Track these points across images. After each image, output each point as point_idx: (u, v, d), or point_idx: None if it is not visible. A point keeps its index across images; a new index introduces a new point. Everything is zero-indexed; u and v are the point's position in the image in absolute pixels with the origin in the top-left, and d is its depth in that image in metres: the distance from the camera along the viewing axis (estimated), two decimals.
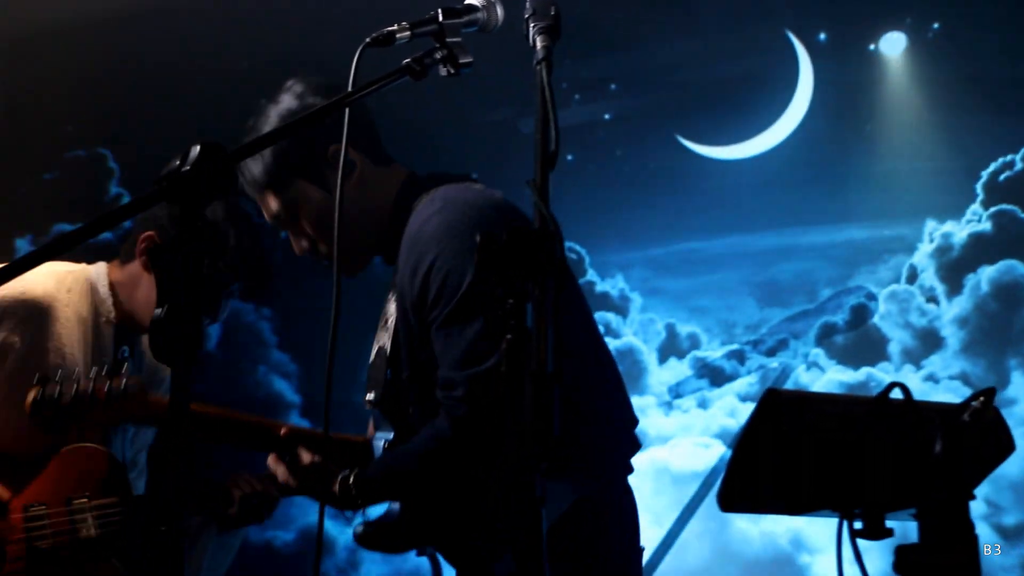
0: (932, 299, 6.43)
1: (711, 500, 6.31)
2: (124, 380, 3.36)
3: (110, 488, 3.75)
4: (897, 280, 6.39)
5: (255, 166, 3.29)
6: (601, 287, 6.57)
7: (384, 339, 3.27)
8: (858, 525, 2.15)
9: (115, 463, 3.82)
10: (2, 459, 3.73)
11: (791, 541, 6.28)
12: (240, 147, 2.14)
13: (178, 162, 1.99)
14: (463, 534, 3.25)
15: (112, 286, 3.88)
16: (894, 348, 6.47)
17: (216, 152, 2.00)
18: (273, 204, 3.31)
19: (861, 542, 2.17)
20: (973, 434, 2.08)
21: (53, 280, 3.83)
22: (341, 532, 6.50)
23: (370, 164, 3.30)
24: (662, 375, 6.58)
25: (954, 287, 6.39)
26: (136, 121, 6.20)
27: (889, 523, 2.14)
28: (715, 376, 6.47)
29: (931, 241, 6.41)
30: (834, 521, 2.16)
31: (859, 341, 6.33)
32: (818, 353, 6.34)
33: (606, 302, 6.60)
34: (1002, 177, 6.42)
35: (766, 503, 2.40)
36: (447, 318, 2.96)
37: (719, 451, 6.57)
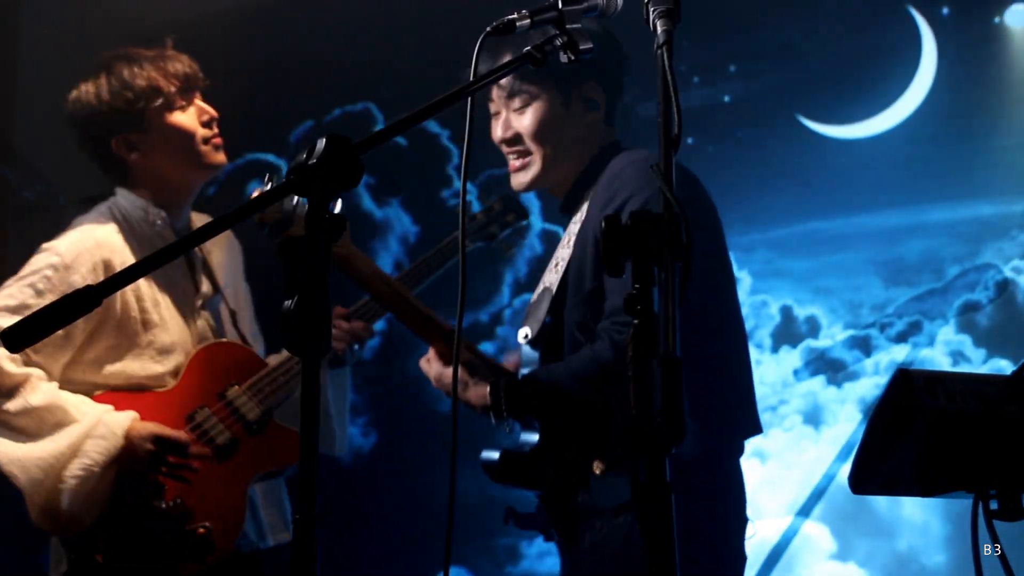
0: None
1: None
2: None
3: (251, 368, 3.99)
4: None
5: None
6: None
7: (551, 280, 3.44)
8: (993, 506, 2.13)
9: (248, 351, 4.20)
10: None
11: None
12: (364, 139, 2.16)
13: (305, 155, 2.02)
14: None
15: (146, 197, 4.17)
16: None
17: (342, 145, 2.02)
18: (518, 103, 3.62)
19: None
20: None
21: (79, 249, 4.02)
22: None
23: (603, 114, 3.64)
24: (765, 373, 6.31)
25: None
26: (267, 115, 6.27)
27: None
28: (834, 370, 6.27)
29: None
30: None
31: (1008, 324, 6.16)
32: (963, 341, 6.14)
33: None
34: None
35: (898, 485, 2.39)
36: None
37: None
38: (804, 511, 6.09)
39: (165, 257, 2.04)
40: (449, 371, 3.42)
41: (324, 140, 2.01)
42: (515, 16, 2.62)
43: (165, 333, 4.02)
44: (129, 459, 3.80)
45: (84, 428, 3.76)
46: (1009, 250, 6.22)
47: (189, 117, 4.16)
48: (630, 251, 1.88)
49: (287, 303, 1.96)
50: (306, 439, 1.95)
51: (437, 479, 5.99)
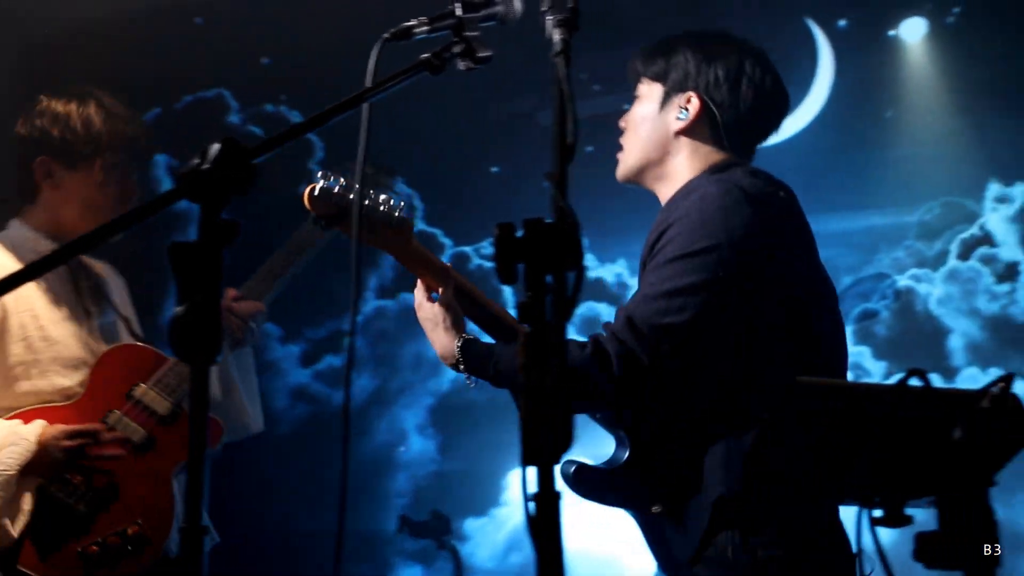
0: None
1: None
2: (400, 210, 3.47)
3: (154, 365, 4.05)
4: (919, 266, 6.34)
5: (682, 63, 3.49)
6: (597, 272, 6.45)
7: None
8: (877, 513, 2.16)
9: (148, 349, 4.14)
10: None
11: None
12: (257, 145, 2.14)
13: (198, 159, 1.99)
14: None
15: (39, 228, 4.11)
16: (956, 342, 6.40)
17: (236, 149, 2.00)
18: (645, 91, 3.52)
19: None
20: (993, 420, 2.08)
21: None
22: None
23: (708, 135, 3.45)
24: None
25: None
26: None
27: (909, 511, 2.14)
28: None
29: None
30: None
31: (907, 334, 6.18)
32: (862, 352, 6.12)
33: (599, 290, 6.52)
34: None
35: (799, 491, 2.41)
36: (656, 265, 3.08)
37: None
38: None
39: (57, 260, 2.01)
40: (427, 306, 3.41)
41: (217, 144, 1.98)
42: (413, 23, 2.61)
43: (67, 348, 4.00)
44: (49, 465, 3.76)
45: None
46: (904, 260, 6.31)
47: (117, 185, 4.12)
48: (523, 259, 1.89)
49: (177, 309, 1.93)
50: (195, 445, 1.93)
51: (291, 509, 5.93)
